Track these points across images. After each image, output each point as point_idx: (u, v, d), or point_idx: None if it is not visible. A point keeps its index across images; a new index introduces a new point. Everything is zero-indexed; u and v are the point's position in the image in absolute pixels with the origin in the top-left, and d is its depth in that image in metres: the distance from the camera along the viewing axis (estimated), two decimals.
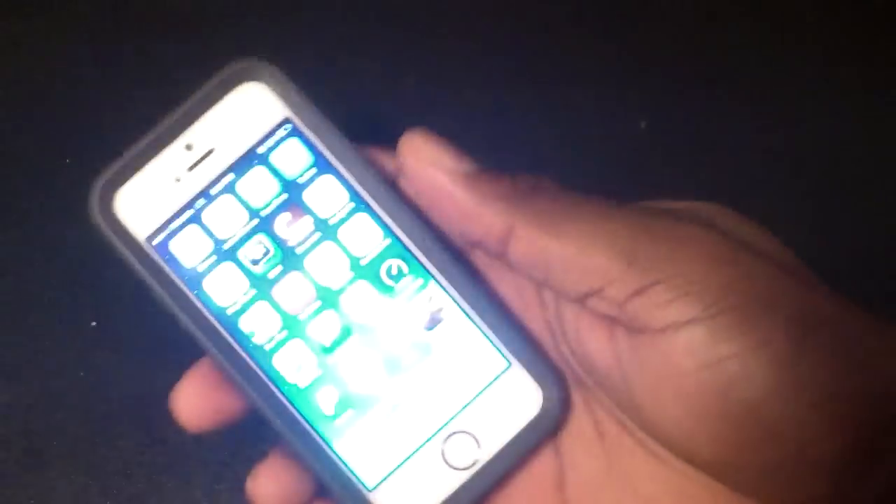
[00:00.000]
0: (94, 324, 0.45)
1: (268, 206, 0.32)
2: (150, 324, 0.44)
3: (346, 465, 0.32)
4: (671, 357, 0.27)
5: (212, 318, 0.32)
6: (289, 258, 0.32)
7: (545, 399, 0.32)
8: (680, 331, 0.27)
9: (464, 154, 0.31)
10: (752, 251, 0.28)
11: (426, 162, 0.30)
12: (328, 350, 0.33)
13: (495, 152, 0.43)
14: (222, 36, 0.47)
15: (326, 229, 0.32)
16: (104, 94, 0.47)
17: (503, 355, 0.33)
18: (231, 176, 0.32)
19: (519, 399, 0.33)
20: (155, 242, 0.32)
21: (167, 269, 0.32)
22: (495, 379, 0.33)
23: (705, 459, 0.28)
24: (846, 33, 0.48)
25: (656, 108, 0.46)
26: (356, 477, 0.33)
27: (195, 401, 0.32)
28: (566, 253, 0.28)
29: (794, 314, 0.27)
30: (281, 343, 0.32)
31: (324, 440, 0.32)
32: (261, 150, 0.32)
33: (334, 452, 0.32)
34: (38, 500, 0.43)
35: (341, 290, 0.32)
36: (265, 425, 0.32)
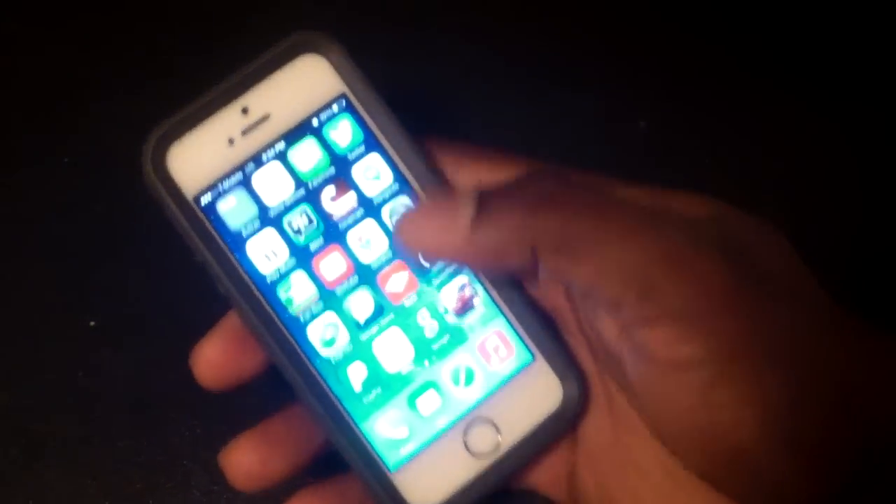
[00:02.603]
0: (92, 323, 0.45)
1: (315, 177, 0.33)
2: (149, 324, 0.44)
3: (370, 443, 0.32)
4: (669, 388, 0.28)
5: (249, 282, 0.32)
6: (330, 231, 0.33)
7: (566, 394, 0.33)
8: (681, 369, 0.27)
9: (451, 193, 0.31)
10: (766, 290, 0.28)
11: (434, 237, 0.30)
12: (361, 327, 0.33)
13: None
14: (222, 35, 0.47)
15: (369, 207, 0.33)
16: (104, 93, 0.47)
17: (528, 349, 0.33)
18: (283, 144, 0.32)
19: (541, 392, 0.33)
20: (203, 201, 0.32)
21: (211, 228, 0.32)
22: (519, 370, 0.33)
23: (691, 470, 0.29)
24: (847, 35, 0.48)
25: (656, 108, 0.46)
26: (380, 456, 0.32)
27: (215, 359, 0.32)
28: (584, 279, 0.29)
29: (796, 372, 0.27)
30: (315, 315, 0.33)
31: (350, 416, 0.32)
32: (314, 122, 0.32)
33: (360, 429, 0.32)
34: (36, 500, 0.42)
35: (379, 269, 0.33)
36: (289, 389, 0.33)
